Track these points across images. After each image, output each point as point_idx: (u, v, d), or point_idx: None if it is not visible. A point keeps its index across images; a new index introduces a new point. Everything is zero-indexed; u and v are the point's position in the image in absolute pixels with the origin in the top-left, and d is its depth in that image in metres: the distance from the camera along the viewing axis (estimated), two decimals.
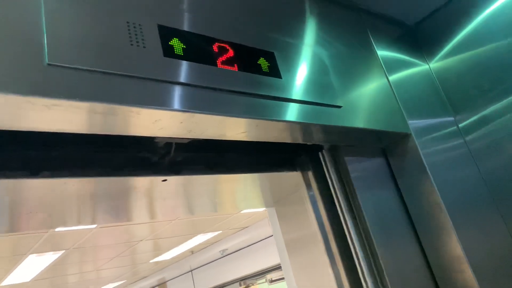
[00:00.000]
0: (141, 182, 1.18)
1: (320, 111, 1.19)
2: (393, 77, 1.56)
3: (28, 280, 5.41)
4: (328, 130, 1.21)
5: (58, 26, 0.78)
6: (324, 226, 1.23)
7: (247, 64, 1.08)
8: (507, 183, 1.59)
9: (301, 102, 1.15)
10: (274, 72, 1.13)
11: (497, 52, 1.66)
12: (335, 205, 1.24)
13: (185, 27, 1.00)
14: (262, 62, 1.13)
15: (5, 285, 5.20)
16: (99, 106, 0.78)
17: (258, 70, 1.10)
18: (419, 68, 1.79)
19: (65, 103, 0.75)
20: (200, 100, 0.93)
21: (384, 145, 1.53)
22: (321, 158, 1.29)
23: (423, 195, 1.44)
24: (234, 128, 1.02)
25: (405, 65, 1.70)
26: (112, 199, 1.24)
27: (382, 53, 1.61)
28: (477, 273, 1.30)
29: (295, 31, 1.30)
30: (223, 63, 1.03)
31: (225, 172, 1.19)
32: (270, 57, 1.15)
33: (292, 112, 1.12)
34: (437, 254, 1.41)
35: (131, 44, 0.87)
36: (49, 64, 0.75)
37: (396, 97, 1.51)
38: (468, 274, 1.31)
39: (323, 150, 1.31)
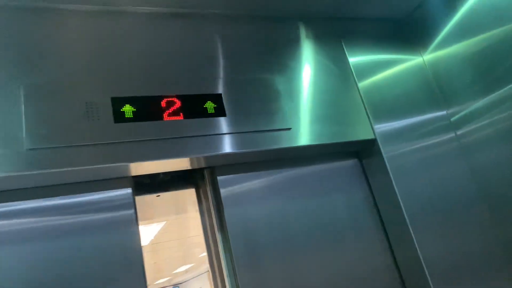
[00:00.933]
0: None
1: (265, 137, 1.41)
2: (364, 83, 1.66)
3: (146, 244, 6.48)
4: (271, 153, 1.43)
5: (35, 119, 1.16)
6: (209, 243, 1.45)
7: (193, 110, 1.36)
8: (498, 179, 1.59)
9: (245, 132, 1.39)
10: (220, 112, 1.39)
11: (487, 42, 1.61)
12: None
13: (137, 93, 1.31)
14: (209, 105, 1.39)
15: None
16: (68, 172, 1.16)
17: (203, 113, 1.37)
18: (409, 63, 1.82)
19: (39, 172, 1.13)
20: (146, 150, 1.25)
21: (357, 149, 1.67)
22: (205, 177, 1.45)
23: (388, 199, 1.57)
24: (179, 165, 1.33)
25: (387, 65, 1.76)
26: None
27: (355, 60, 1.70)
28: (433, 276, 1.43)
29: (246, 67, 1.51)
30: (169, 115, 1.32)
31: None
32: (217, 99, 1.40)
33: (231, 144, 1.36)
34: (402, 254, 1.55)
35: (88, 119, 1.22)
36: (28, 149, 1.13)
37: (364, 104, 1.62)
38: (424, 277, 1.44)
39: (205, 170, 1.45)
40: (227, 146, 1.34)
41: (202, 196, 1.49)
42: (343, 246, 1.52)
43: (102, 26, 1.38)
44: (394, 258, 1.57)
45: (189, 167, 1.38)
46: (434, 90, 1.81)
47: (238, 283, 1.32)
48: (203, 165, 1.40)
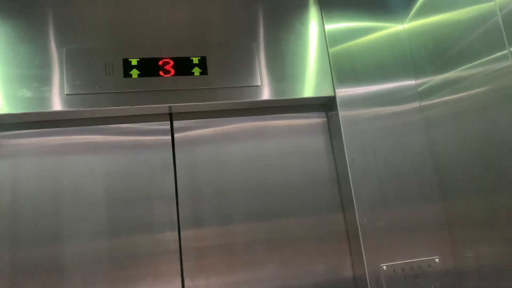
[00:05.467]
0: None
1: (239, 91, 1.83)
2: (335, 49, 1.95)
3: None
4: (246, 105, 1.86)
5: (72, 75, 1.73)
6: None
7: (182, 69, 1.82)
8: (449, 154, 1.76)
9: (223, 88, 1.83)
10: (203, 71, 1.83)
11: (448, 20, 1.71)
12: None
13: (141, 55, 1.80)
14: (195, 66, 1.83)
15: None
16: (90, 110, 1.73)
17: (190, 72, 1.82)
18: (387, 31, 2.01)
19: (73, 112, 1.72)
20: (144, 99, 1.77)
21: (327, 108, 2.01)
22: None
23: (339, 156, 1.91)
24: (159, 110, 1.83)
25: (364, 33, 1.98)
26: None
27: (331, 27, 1.98)
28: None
29: (228, 31, 1.90)
30: (164, 72, 1.80)
31: None
32: (202, 60, 1.84)
33: (213, 96, 1.82)
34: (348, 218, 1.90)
35: (106, 75, 1.75)
36: (66, 94, 1.71)
37: (330, 68, 1.92)
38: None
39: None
40: (202, 97, 1.80)
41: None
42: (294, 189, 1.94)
43: (122, 8, 1.86)
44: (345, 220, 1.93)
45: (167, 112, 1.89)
46: (408, 59, 1.98)
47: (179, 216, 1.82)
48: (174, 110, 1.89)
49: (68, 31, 1.79)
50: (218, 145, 1.91)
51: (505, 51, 1.44)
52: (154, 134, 1.87)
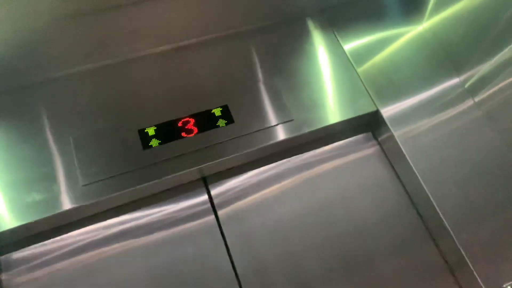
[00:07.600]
0: None
1: (272, 131, 1.60)
2: (363, 68, 1.75)
3: None
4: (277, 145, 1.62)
5: (84, 163, 1.49)
6: None
7: (205, 124, 1.60)
8: None
9: (253, 132, 1.60)
10: (228, 119, 1.61)
11: None
12: None
13: (157, 121, 1.58)
14: (218, 117, 1.62)
15: None
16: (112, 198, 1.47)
17: (214, 124, 1.60)
18: (408, 35, 1.83)
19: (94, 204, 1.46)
20: (170, 168, 1.52)
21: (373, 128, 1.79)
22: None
23: (408, 185, 1.68)
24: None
25: (385, 43, 1.81)
26: None
27: (350, 46, 1.80)
28: None
29: (246, 74, 1.71)
30: (186, 132, 1.58)
31: None
32: (224, 109, 1.63)
33: (246, 144, 1.58)
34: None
35: (123, 152, 1.52)
36: (83, 185, 1.46)
37: (366, 89, 1.72)
38: None
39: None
40: (234, 149, 1.56)
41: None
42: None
43: (120, 79, 1.68)
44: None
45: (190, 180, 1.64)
46: (441, 58, 1.78)
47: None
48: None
49: (70, 119, 1.59)
50: (266, 201, 1.64)
51: None
52: (191, 208, 1.60)
